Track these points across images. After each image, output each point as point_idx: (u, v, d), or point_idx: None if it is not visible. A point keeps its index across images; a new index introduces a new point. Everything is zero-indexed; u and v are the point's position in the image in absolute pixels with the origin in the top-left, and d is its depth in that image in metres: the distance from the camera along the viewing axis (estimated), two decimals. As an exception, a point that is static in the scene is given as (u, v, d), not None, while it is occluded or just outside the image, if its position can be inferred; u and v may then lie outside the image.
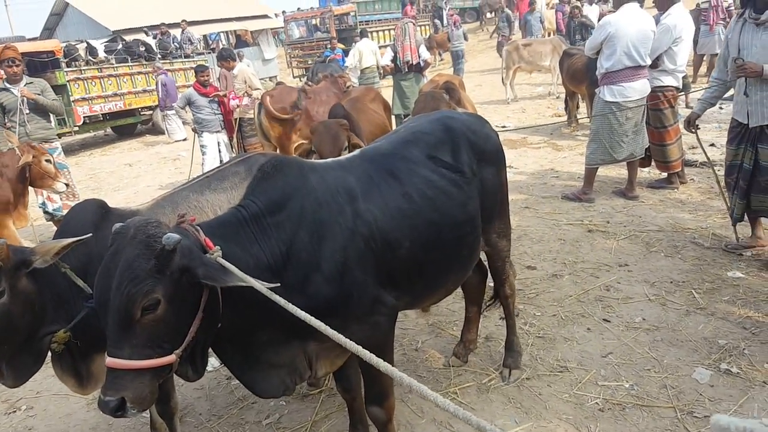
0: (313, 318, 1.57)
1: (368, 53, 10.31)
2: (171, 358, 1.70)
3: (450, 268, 2.56)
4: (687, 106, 8.54)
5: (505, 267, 3.09)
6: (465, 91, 5.00)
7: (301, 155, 3.49)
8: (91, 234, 2.15)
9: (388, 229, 2.17)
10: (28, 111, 6.05)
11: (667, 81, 5.50)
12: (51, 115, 6.39)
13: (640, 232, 4.89)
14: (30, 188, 5.44)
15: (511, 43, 12.67)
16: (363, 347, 2.15)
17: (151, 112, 15.08)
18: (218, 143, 7.79)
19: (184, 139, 12.67)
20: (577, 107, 9.72)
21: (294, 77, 20.10)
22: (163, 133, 14.40)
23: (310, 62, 19.05)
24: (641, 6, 5.46)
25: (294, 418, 3.05)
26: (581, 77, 8.52)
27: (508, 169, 7.25)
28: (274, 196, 2.02)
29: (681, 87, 5.88)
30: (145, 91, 14.58)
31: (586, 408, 2.85)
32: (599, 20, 13.72)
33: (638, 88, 5.38)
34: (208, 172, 3.07)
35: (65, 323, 2.17)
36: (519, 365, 3.17)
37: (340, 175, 2.21)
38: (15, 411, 3.42)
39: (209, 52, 18.29)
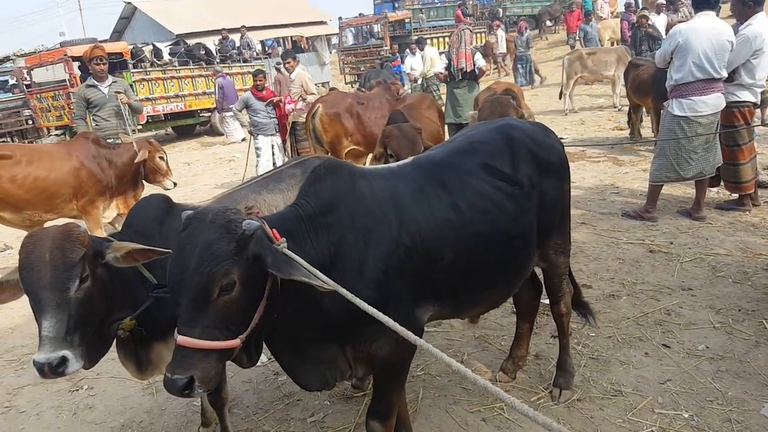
0: (376, 311, 1.66)
1: (436, 60, 10.26)
2: (236, 342, 1.75)
3: (497, 282, 2.51)
4: (764, 124, 8.05)
5: (562, 285, 2.98)
6: (524, 99, 4.86)
7: (376, 158, 3.46)
8: (171, 252, 2.22)
9: (432, 240, 2.17)
10: (118, 108, 6.43)
11: (744, 96, 5.18)
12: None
13: (707, 255, 4.62)
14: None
15: (573, 51, 12.35)
16: (384, 361, 2.21)
17: (209, 114, 15.57)
18: (272, 146, 7.96)
19: (243, 140, 13.00)
20: (641, 120, 9.37)
21: (346, 83, 20.32)
22: (220, 134, 14.82)
23: (362, 69, 19.25)
24: (717, 14, 5.18)
25: (338, 418, 3.03)
26: (647, 89, 8.19)
27: (564, 183, 6.99)
28: (326, 198, 2.06)
29: (759, 103, 5.54)
30: (204, 93, 15.08)
31: (641, 436, 2.68)
32: (667, 30, 13.36)
33: (711, 103, 5.07)
34: (265, 173, 3.15)
35: (131, 311, 2.23)
36: (570, 386, 3.03)
37: (389, 183, 2.22)
38: (78, 389, 3.62)
39: (266, 57, 18.74)
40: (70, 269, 1.95)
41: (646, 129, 9.37)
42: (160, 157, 5.69)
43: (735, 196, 5.67)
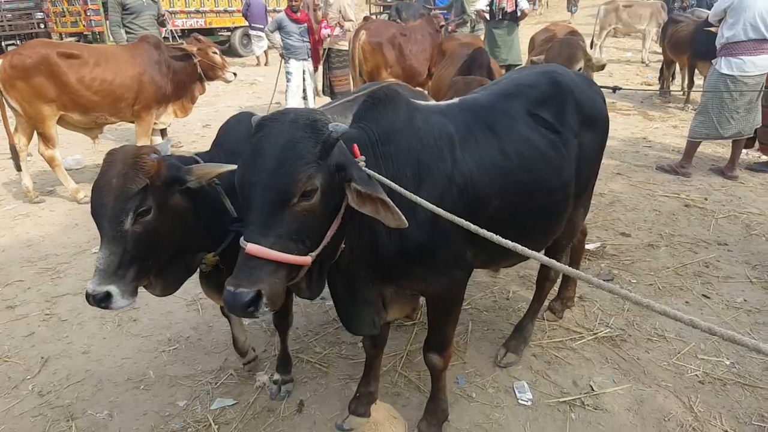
0: (482, 229, 1.54)
1: None
2: (307, 259, 1.61)
3: (534, 234, 2.42)
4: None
5: (566, 248, 2.87)
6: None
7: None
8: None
9: (482, 183, 2.08)
10: (156, 16, 6.33)
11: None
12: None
13: (740, 213, 4.69)
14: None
15: (611, 2, 11.96)
16: (437, 298, 2.21)
17: (229, 33, 15.12)
18: (303, 71, 7.75)
19: (257, 64, 12.72)
20: (673, 77, 9.23)
21: (371, 13, 19.63)
22: (240, 56, 14.50)
23: (390, 0, 18.58)
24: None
25: (390, 345, 3.09)
26: (684, 47, 8.06)
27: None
28: (385, 126, 1.95)
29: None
30: (226, 11, 14.60)
31: (685, 378, 2.81)
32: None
33: (759, 64, 5.02)
34: (344, 99, 3.00)
35: (216, 245, 2.15)
36: (519, 352, 2.95)
37: (442, 120, 2.11)
38: None
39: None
40: (126, 201, 1.80)
41: (675, 86, 9.24)
42: (213, 52, 5.63)
43: (766, 158, 5.70)
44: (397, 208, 1.64)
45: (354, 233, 1.84)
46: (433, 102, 2.35)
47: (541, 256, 1.46)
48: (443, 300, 2.24)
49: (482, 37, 7.58)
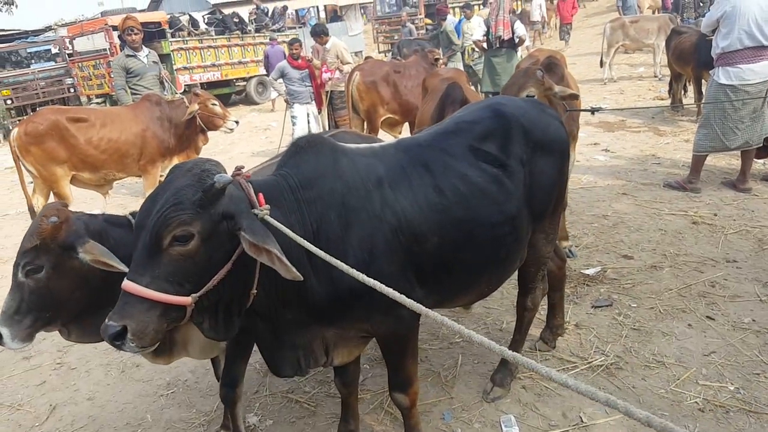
0: (365, 276, 1.54)
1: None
2: (185, 299, 1.64)
3: (483, 269, 2.36)
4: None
5: (537, 276, 2.79)
6: (567, 67, 4.74)
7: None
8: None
9: (416, 221, 2.06)
10: (158, 77, 6.62)
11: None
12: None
13: (752, 227, 4.51)
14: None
15: (616, 19, 11.94)
16: (386, 339, 2.19)
17: (244, 83, 15.64)
18: (308, 114, 7.97)
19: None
20: (684, 90, 9.09)
21: (379, 52, 20.07)
22: (256, 103, 14.93)
23: (396, 37, 18.94)
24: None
25: (377, 381, 3.10)
26: (688, 57, 7.98)
27: (604, 153, 6.96)
28: (307, 172, 1.95)
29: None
30: (240, 62, 15.16)
31: (684, 406, 2.68)
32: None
33: (759, 71, 4.90)
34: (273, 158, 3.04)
35: None
36: (506, 386, 2.88)
37: (371, 162, 2.10)
38: None
39: (300, 26, 18.65)
40: (20, 256, 1.95)
41: (688, 99, 9.10)
42: (212, 104, 5.81)
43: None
44: (286, 261, 1.64)
45: (269, 279, 1.81)
46: (365, 145, 2.31)
47: (404, 298, 1.48)
48: (393, 341, 2.21)
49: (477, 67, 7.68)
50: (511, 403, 2.82)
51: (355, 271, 1.56)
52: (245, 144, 10.70)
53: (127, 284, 1.60)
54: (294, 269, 1.65)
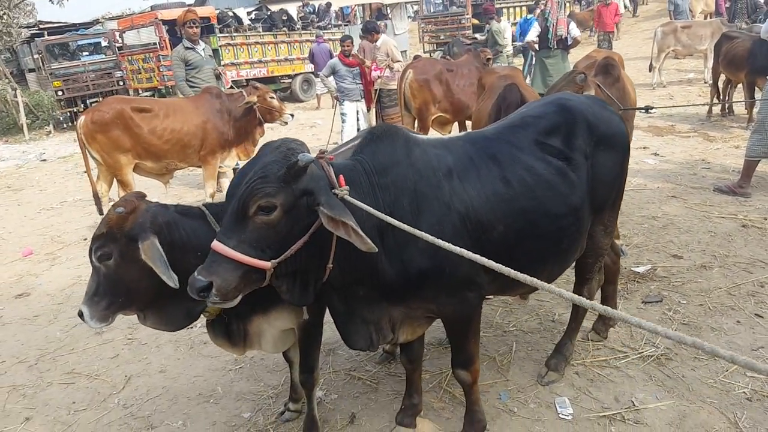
0: (453, 246, 1.64)
1: (508, 35, 10.13)
2: (265, 264, 1.80)
3: (545, 259, 2.47)
4: None
5: (594, 268, 2.91)
6: (624, 69, 4.83)
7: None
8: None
9: (483, 210, 2.18)
10: (215, 70, 6.92)
11: None
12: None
13: (803, 232, 4.55)
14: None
15: (668, 24, 11.81)
16: (451, 319, 2.34)
17: (290, 80, 15.97)
18: (357, 112, 8.16)
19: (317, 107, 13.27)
20: (724, 98, 9.01)
21: (425, 52, 20.21)
22: (301, 101, 15.26)
23: (442, 37, 19.07)
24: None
25: (434, 363, 3.29)
26: (741, 63, 7.89)
27: (653, 157, 6.97)
28: (382, 159, 2.09)
29: None
30: (286, 59, 15.49)
31: (732, 395, 2.80)
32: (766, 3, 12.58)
33: (818, 78, 4.93)
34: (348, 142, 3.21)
35: None
36: (560, 371, 3.01)
37: (441, 152, 2.23)
38: (192, 327, 3.87)
39: (345, 24, 18.93)
40: (93, 241, 2.08)
41: (739, 106, 9.00)
42: (270, 97, 6.08)
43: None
44: (362, 234, 1.80)
45: (344, 255, 1.97)
46: (435, 137, 2.47)
47: (542, 283, 1.53)
48: (458, 321, 2.36)
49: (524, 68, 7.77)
50: (565, 386, 2.98)
51: (443, 242, 1.67)
52: (293, 139, 11.02)
53: (216, 245, 1.80)
54: (369, 241, 1.81)
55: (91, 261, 2.10)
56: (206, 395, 3.22)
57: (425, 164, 2.15)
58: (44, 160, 11.77)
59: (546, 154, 2.42)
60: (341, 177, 1.94)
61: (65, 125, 15.63)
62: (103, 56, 15.96)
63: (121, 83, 15.65)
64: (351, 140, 2.60)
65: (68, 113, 15.47)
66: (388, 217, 1.85)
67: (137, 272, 2.07)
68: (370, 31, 8.14)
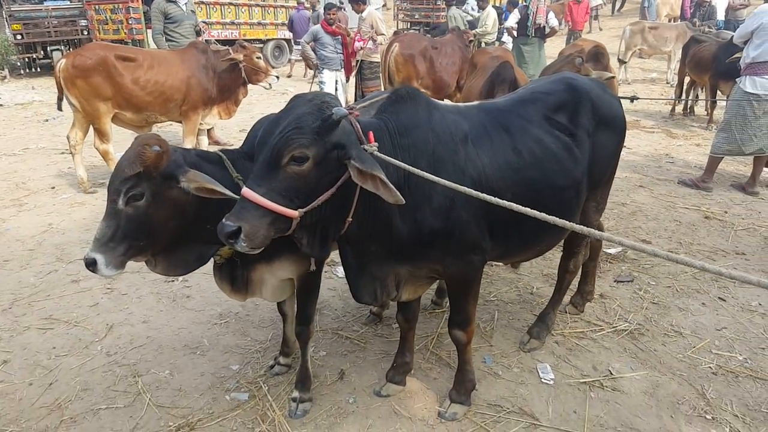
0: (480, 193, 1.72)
1: (496, 22, 10.16)
2: (293, 213, 1.83)
3: (546, 229, 2.47)
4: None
5: (582, 242, 3.10)
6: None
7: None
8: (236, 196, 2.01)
9: (494, 177, 2.26)
10: (196, 26, 6.74)
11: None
12: None
13: (759, 226, 4.85)
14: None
15: (636, 23, 12.17)
16: (455, 280, 2.44)
17: (261, 45, 15.61)
18: (336, 81, 8.11)
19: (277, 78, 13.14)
20: (697, 98, 9.41)
21: (398, 29, 20.10)
22: (272, 67, 14.92)
23: (416, 16, 18.96)
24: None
25: (420, 327, 3.31)
26: (706, 66, 8.23)
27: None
28: (405, 120, 2.14)
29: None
30: (259, 23, 15.11)
31: (699, 369, 3.00)
32: (726, 12, 13.11)
33: (784, 84, 5.22)
34: (366, 100, 3.22)
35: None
36: (542, 338, 3.16)
37: (457, 118, 2.30)
38: (173, 281, 3.93)
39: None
40: (122, 183, 1.97)
41: (699, 107, 9.43)
42: (257, 57, 5.98)
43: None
44: (392, 186, 1.85)
45: (364, 211, 2.04)
46: (451, 103, 2.57)
47: (570, 224, 1.59)
48: (461, 282, 2.45)
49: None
50: (546, 354, 3.12)
51: (468, 188, 1.78)
52: (264, 105, 10.83)
53: (246, 191, 1.81)
54: (397, 192, 1.85)
55: (114, 203, 1.99)
56: (192, 347, 3.20)
57: (444, 129, 2.22)
58: (0, 105, 11.17)
59: (553, 129, 2.52)
60: (370, 133, 1.98)
61: (22, 71, 14.95)
62: (68, 3, 15.16)
63: (85, 32, 14.90)
64: (371, 97, 2.61)
65: (25, 59, 14.71)
66: (418, 170, 1.88)
67: (166, 212, 2.05)
68: (357, 1, 8.07)
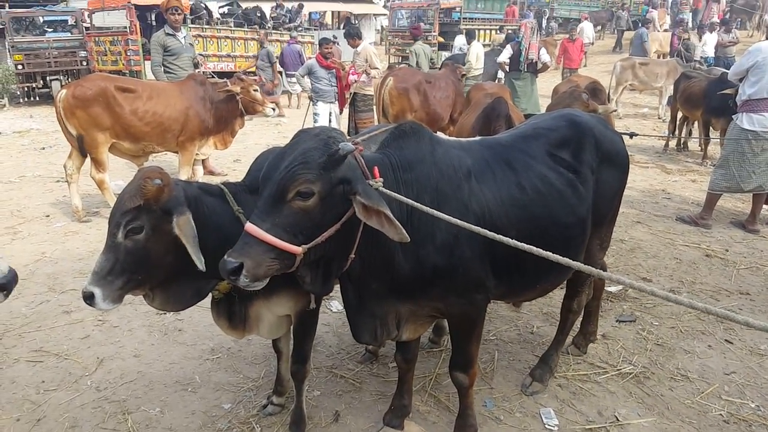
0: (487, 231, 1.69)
1: (481, 57, 10.27)
2: (297, 249, 1.78)
3: (551, 268, 2.39)
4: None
5: (586, 282, 3.02)
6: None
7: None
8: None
9: (498, 213, 2.22)
10: (194, 59, 6.75)
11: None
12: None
13: (762, 265, 4.78)
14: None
15: (627, 59, 12.36)
16: (457, 319, 2.36)
17: (257, 77, 15.74)
18: (330, 113, 8.13)
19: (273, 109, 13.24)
20: (690, 133, 9.47)
21: (390, 63, 20.37)
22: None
23: (408, 51, 19.24)
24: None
25: (419, 367, 3.18)
26: (697, 102, 8.29)
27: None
28: (408, 155, 2.11)
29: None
30: (254, 56, 15.23)
31: (710, 416, 2.88)
32: (716, 49, 13.36)
33: (781, 120, 5.22)
34: (378, 129, 3.18)
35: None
36: (544, 381, 3.05)
37: (461, 153, 2.26)
38: (165, 313, 3.78)
39: (315, 29, 18.90)
40: (122, 216, 1.95)
41: (693, 142, 9.47)
42: (254, 90, 5.96)
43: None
44: (397, 222, 1.80)
45: (366, 247, 2.00)
46: (454, 138, 2.54)
47: (576, 263, 1.53)
48: (463, 321, 2.36)
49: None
50: (549, 398, 3.00)
51: (473, 225, 1.74)
52: (258, 135, 10.84)
53: (249, 227, 1.77)
54: (403, 230, 1.81)
55: (113, 237, 1.95)
56: (183, 383, 3.09)
57: (447, 164, 2.18)
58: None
59: (557, 165, 2.47)
60: (375, 168, 1.93)
61: (21, 100, 15.13)
62: (69, 34, 15.37)
63: (84, 63, 15.08)
64: (369, 131, 2.55)
65: (25, 88, 14.88)
66: (423, 206, 1.83)
67: (165, 247, 2.00)
68: (352, 36, 8.16)
